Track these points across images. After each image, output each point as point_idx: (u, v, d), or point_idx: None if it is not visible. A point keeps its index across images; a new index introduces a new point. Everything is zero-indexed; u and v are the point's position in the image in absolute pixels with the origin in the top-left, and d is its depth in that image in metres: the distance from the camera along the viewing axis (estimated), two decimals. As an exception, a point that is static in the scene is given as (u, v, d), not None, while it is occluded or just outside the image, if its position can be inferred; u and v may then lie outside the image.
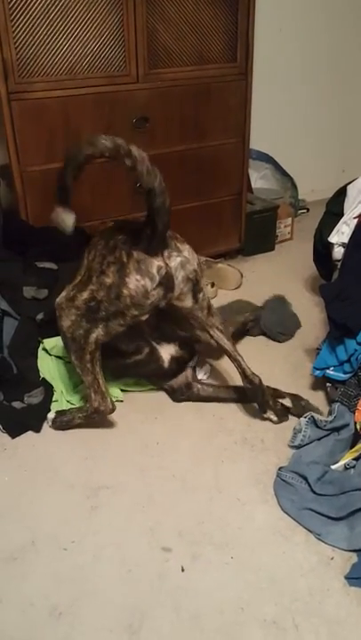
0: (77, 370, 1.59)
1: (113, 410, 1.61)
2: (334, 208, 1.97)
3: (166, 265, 1.46)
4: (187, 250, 1.52)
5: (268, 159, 3.18)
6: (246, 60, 2.33)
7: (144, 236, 1.43)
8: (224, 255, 2.75)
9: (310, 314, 2.27)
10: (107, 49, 2.03)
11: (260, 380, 1.64)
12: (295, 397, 1.73)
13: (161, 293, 1.48)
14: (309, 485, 1.40)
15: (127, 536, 1.34)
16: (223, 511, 1.40)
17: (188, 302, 1.56)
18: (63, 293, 1.57)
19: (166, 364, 1.74)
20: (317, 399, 1.79)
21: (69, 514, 1.40)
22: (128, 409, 1.75)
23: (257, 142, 3.11)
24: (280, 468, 1.48)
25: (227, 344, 1.64)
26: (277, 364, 1.98)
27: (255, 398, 1.67)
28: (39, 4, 1.86)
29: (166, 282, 1.47)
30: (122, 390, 1.81)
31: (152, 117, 2.21)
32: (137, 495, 1.45)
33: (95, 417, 1.62)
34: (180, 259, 1.49)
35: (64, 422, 1.65)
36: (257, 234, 2.81)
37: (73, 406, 1.73)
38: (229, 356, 1.65)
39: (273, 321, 2.12)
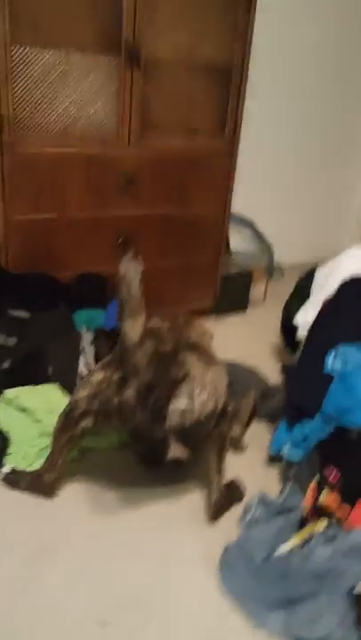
0: (52, 434, 1.58)
1: (53, 490, 1.60)
2: (303, 287, 2.05)
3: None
4: (202, 401, 1.42)
5: (249, 224, 3.29)
6: (233, 136, 2.45)
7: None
8: (197, 313, 2.80)
9: (274, 382, 2.31)
10: (101, 114, 2.12)
11: (214, 513, 1.60)
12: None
13: (148, 419, 1.40)
14: (253, 568, 1.42)
15: (63, 607, 1.31)
16: (163, 588, 1.39)
17: None
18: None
19: (168, 458, 1.53)
20: (273, 475, 1.81)
21: (6, 577, 1.37)
22: (83, 468, 1.75)
23: (241, 207, 3.23)
24: (227, 547, 1.49)
25: (212, 460, 1.59)
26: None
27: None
28: (40, 67, 1.94)
29: (157, 414, 1.40)
30: (79, 450, 1.81)
31: (139, 180, 2.29)
32: (80, 561, 1.43)
33: (38, 483, 1.60)
34: (183, 408, 1.40)
35: (14, 481, 1.64)
36: (231, 295, 2.89)
37: (28, 462, 1.72)
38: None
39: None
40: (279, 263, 3.55)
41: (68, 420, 1.51)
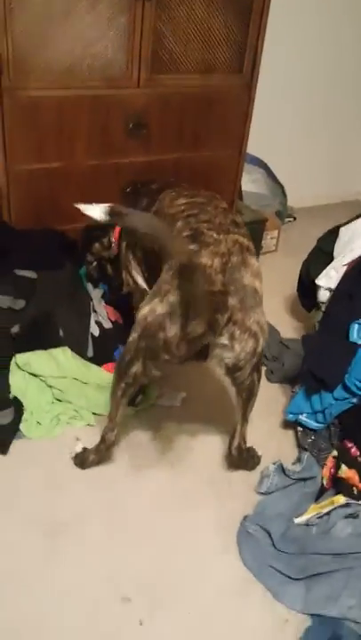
0: (110, 389, 1.53)
1: (112, 444, 1.59)
2: (325, 246, 1.95)
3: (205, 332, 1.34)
4: (243, 342, 1.38)
5: (261, 164, 3.11)
6: (252, 73, 2.24)
7: None
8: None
9: (289, 340, 2.26)
10: (109, 51, 1.91)
11: (233, 460, 1.64)
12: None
13: (187, 350, 1.36)
14: (272, 540, 1.43)
15: (85, 584, 1.33)
16: (183, 561, 1.41)
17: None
18: None
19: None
20: (288, 439, 1.80)
21: (24, 556, 1.37)
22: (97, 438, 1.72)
23: (252, 146, 3.04)
24: (245, 518, 1.50)
25: (239, 407, 1.57)
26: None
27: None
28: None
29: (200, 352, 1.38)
30: (94, 414, 1.79)
31: (149, 123, 2.12)
32: (97, 539, 1.43)
33: (102, 448, 1.59)
34: (220, 348, 1.38)
35: (83, 459, 1.61)
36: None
37: (42, 431, 1.70)
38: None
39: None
40: (291, 207, 3.41)
41: (120, 369, 1.47)
